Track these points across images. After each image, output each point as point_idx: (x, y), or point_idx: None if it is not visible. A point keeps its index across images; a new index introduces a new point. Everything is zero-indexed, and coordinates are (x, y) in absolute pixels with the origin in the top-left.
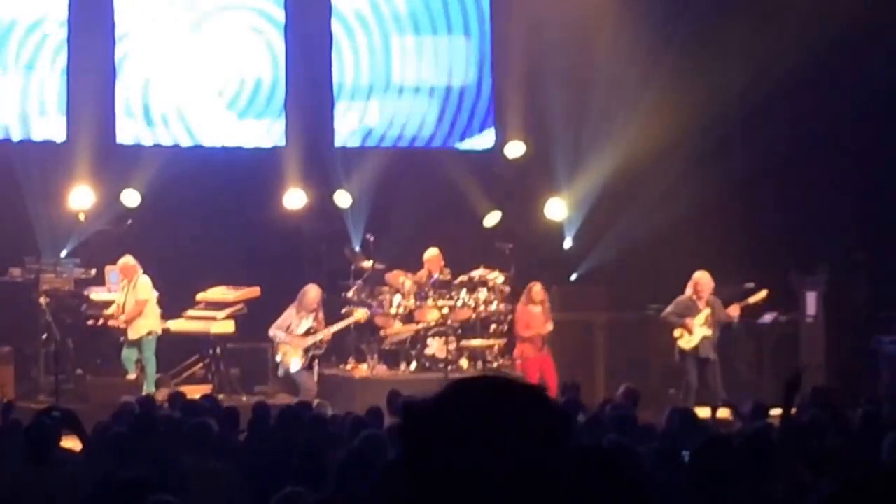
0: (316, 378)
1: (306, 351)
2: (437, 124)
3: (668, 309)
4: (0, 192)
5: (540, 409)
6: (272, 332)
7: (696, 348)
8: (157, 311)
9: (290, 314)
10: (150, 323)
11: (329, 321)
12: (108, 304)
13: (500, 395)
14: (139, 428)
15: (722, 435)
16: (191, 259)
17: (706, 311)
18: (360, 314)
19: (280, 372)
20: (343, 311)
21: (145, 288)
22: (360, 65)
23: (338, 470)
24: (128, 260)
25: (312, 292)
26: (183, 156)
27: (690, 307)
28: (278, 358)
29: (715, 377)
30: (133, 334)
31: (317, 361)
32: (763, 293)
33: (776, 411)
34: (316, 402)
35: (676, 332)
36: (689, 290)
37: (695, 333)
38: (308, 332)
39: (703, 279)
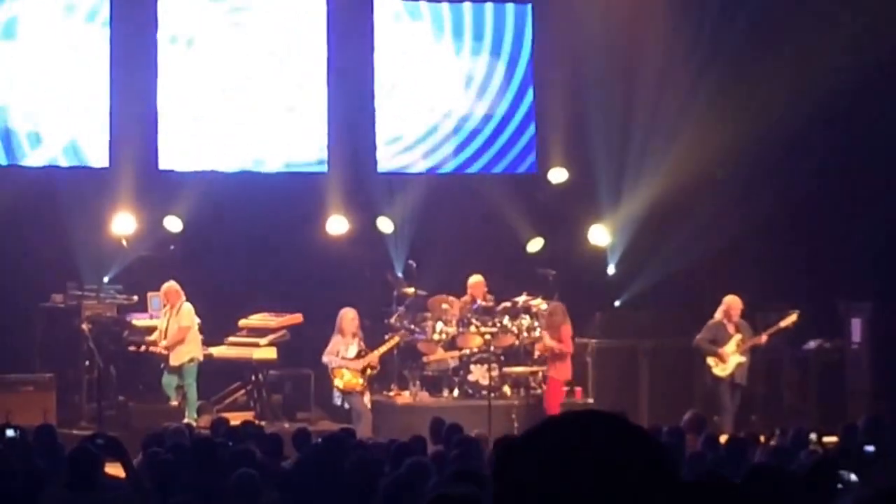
0: (369, 404)
1: (362, 374)
2: (479, 150)
3: (700, 335)
4: (43, 218)
5: (636, 444)
6: (325, 358)
7: (731, 375)
8: (199, 337)
9: (337, 340)
10: (191, 349)
11: (371, 347)
12: (150, 330)
13: (594, 428)
14: (184, 455)
15: (770, 464)
16: (233, 285)
17: (737, 337)
18: (401, 334)
19: (337, 400)
20: (386, 337)
21: (188, 314)
22: (401, 90)
23: (383, 498)
24: (172, 285)
25: (349, 314)
26: (225, 182)
27: (721, 331)
28: (336, 383)
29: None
30: (175, 361)
31: (369, 386)
32: (793, 317)
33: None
34: (368, 435)
35: (710, 360)
36: (719, 314)
37: (729, 361)
38: (359, 356)
39: (733, 303)
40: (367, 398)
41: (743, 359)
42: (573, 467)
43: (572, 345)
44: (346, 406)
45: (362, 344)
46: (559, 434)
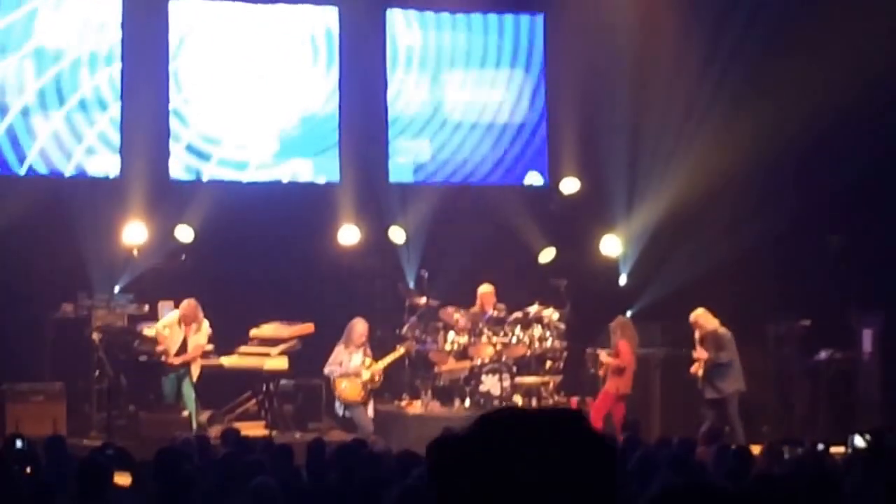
0: (372, 414)
1: (364, 386)
2: (491, 160)
3: None
4: (54, 227)
5: (578, 440)
6: (327, 369)
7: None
8: None
9: (339, 350)
10: (199, 365)
11: (381, 357)
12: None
13: (534, 426)
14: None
15: (770, 474)
16: (244, 295)
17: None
18: (407, 346)
19: (339, 410)
20: (398, 347)
21: (207, 335)
22: (414, 100)
23: None
24: (191, 303)
25: (359, 326)
26: (237, 191)
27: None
28: (337, 394)
29: (729, 415)
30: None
31: (371, 398)
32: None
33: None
34: (371, 438)
35: None
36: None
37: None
38: (362, 366)
39: (691, 317)
40: (370, 408)
41: (700, 371)
42: (513, 466)
43: (632, 359)
44: (349, 415)
45: (368, 354)
46: (498, 433)
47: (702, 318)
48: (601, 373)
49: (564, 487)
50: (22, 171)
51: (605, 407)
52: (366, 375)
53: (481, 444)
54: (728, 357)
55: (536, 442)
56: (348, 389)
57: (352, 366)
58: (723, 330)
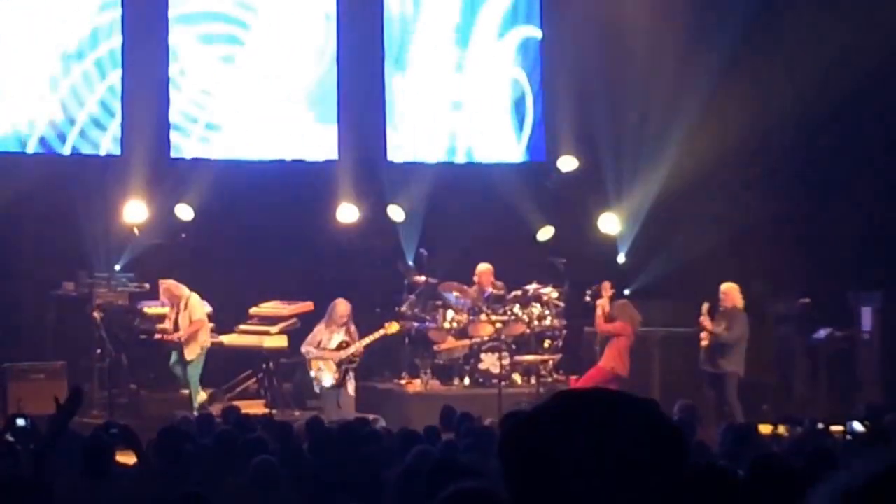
0: (353, 392)
1: (339, 365)
2: (489, 137)
3: None
4: (54, 206)
5: (650, 425)
6: (304, 348)
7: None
8: (207, 326)
9: (319, 330)
10: (202, 339)
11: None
12: (161, 317)
13: (607, 406)
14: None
15: (774, 453)
16: (244, 273)
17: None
18: (392, 326)
19: (317, 389)
20: (387, 325)
21: (198, 308)
22: (411, 77)
23: (395, 489)
24: (168, 285)
25: (341, 306)
26: (236, 170)
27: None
28: (312, 374)
29: (727, 394)
30: (189, 355)
31: (351, 375)
32: None
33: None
34: (371, 417)
35: None
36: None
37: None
38: (340, 347)
39: (722, 287)
40: (350, 387)
41: (705, 343)
42: (580, 441)
43: (629, 335)
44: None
45: (349, 334)
46: (569, 409)
47: (730, 291)
48: (597, 305)
49: (631, 470)
50: (24, 150)
51: (595, 380)
52: (342, 356)
53: (554, 422)
54: (732, 338)
55: (610, 422)
56: (322, 371)
57: (331, 345)
58: (741, 311)
